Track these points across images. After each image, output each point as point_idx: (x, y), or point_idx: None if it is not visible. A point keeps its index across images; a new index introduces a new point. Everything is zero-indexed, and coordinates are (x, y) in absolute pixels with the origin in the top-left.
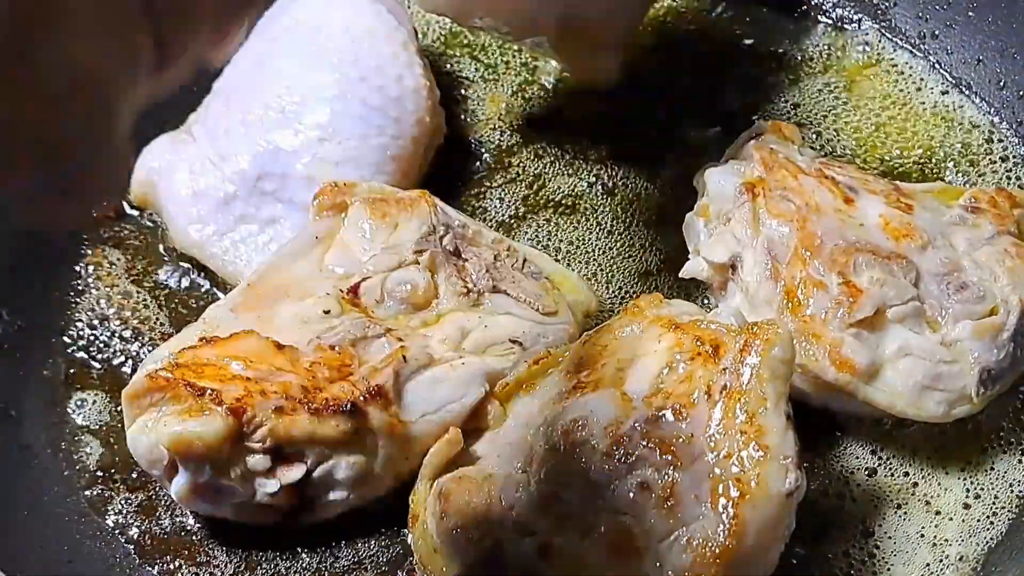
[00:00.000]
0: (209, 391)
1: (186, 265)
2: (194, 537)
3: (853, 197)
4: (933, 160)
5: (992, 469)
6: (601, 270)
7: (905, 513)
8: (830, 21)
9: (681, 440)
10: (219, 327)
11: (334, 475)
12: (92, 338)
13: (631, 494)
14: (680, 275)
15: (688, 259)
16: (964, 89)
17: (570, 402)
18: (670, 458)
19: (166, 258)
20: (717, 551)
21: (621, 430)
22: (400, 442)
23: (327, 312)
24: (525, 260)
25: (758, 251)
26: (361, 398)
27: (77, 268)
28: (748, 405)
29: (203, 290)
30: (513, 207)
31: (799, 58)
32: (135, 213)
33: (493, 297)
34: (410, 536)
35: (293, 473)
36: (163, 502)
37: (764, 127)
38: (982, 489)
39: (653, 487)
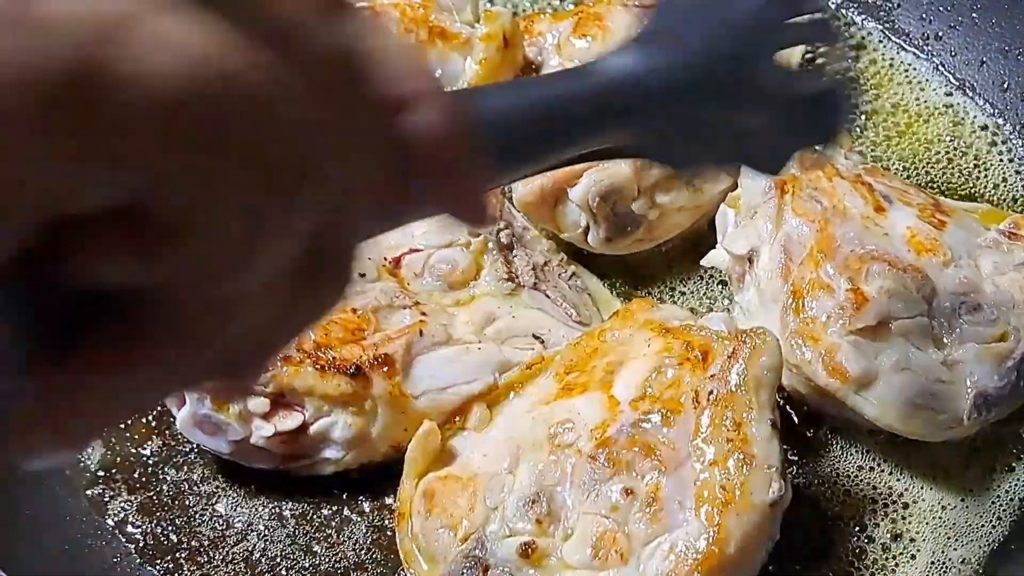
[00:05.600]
0: None
1: None
2: (195, 537)
3: (886, 206)
4: (936, 162)
5: (994, 470)
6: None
7: (906, 515)
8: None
9: (666, 445)
10: None
11: (330, 433)
12: None
13: (615, 498)
14: (701, 263)
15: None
16: (968, 91)
17: (558, 404)
18: (655, 463)
19: None
20: (699, 558)
21: (607, 433)
22: (399, 413)
23: (362, 275)
24: (574, 274)
25: (775, 248)
26: (367, 363)
27: None
28: (735, 413)
29: None
30: None
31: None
32: None
33: (530, 292)
34: (397, 535)
35: (289, 422)
36: (164, 502)
37: None
38: (983, 491)
39: (637, 492)
